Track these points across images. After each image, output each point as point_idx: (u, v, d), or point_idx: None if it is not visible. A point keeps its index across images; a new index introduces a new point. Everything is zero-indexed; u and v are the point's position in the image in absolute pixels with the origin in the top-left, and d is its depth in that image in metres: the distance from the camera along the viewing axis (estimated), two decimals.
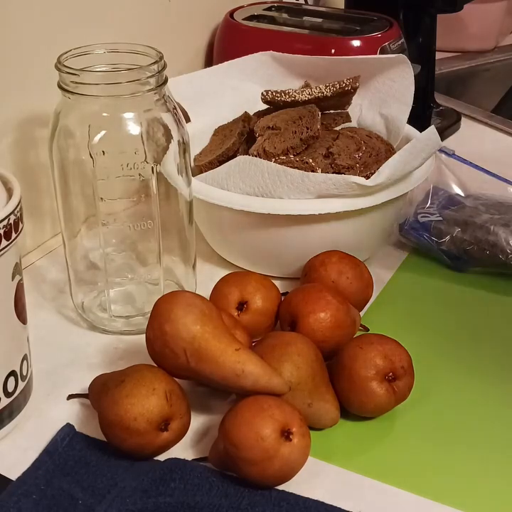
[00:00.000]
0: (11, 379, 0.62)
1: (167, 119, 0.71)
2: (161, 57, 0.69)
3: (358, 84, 0.86)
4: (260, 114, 0.90)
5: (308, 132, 0.82)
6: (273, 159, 0.80)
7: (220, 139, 0.90)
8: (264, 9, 1.13)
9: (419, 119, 0.91)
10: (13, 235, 0.59)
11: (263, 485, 0.59)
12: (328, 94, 0.86)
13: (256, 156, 0.81)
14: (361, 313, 0.77)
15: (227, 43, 1.08)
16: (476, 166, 0.93)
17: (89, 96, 0.67)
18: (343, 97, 0.87)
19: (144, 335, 0.65)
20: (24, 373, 0.65)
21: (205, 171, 0.84)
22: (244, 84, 0.95)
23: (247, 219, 0.79)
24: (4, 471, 0.61)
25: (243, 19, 1.09)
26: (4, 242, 0.58)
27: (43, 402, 0.68)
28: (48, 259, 0.89)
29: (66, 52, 0.69)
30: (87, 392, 0.67)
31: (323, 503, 0.58)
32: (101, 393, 0.62)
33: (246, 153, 0.84)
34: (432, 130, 0.81)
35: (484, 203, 0.89)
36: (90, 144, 0.68)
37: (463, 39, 1.49)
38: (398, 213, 0.85)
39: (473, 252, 0.84)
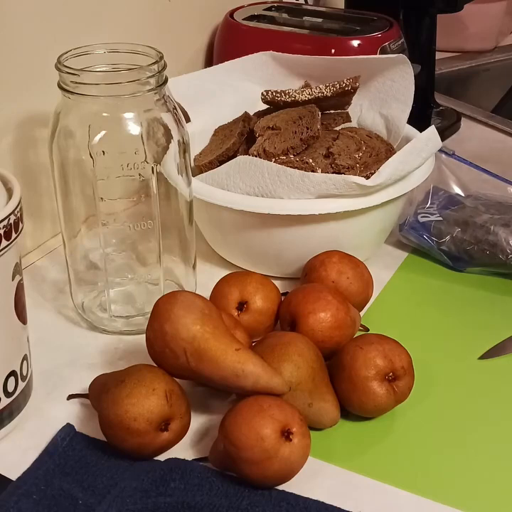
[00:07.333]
0: (11, 379, 0.62)
1: (167, 119, 0.71)
2: (161, 57, 0.69)
3: (358, 84, 0.86)
4: (260, 114, 0.90)
5: (308, 132, 0.82)
6: (273, 159, 0.80)
7: (220, 139, 0.90)
8: (264, 9, 1.13)
9: (419, 119, 0.91)
10: (13, 235, 0.59)
11: (263, 485, 0.59)
12: (328, 94, 0.86)
13: (256, 156, 0.81)
14: (361, 313, 0.77)
15: (227, 43, 1.08)
16: (476, 166, 0.93)
17: (89, 96, 0.67)
18: (343, 97, 0.87)
19: (144, 335, 0.65)
20: (24, 373, 0.65)
21: (205, 171, 0.84)
22: (244, 84, 0.95)
23: (247, 219, 0.79)
24: (4, 471, 0.61)
25: (243, 19, 1.09)
26: (4, 242, 0.58)
27: (43, 402, 0.68)
28: (48, 259, 0.89)
29: (66, 52, 0.69)
30: (87, 392, 0.67)
31: (323, 503, 0.58)
32: (101, 393, 0.62)
33: (246, 153, 0.84)
34: (431, 130, 0.81)
35: (484, 203, 0.89)
36: (90, 144, 0.68)
37: (463, 39, 1.49)
38: (398, 213, 0.85)
39: (473, 252, 0.84)
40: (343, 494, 0.59)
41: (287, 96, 0.87)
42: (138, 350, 0.73)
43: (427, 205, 0.89)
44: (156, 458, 0.62)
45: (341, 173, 0.79)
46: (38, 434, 0.65)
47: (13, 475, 0.60)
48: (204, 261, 0.86)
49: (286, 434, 0.58)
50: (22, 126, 0.84)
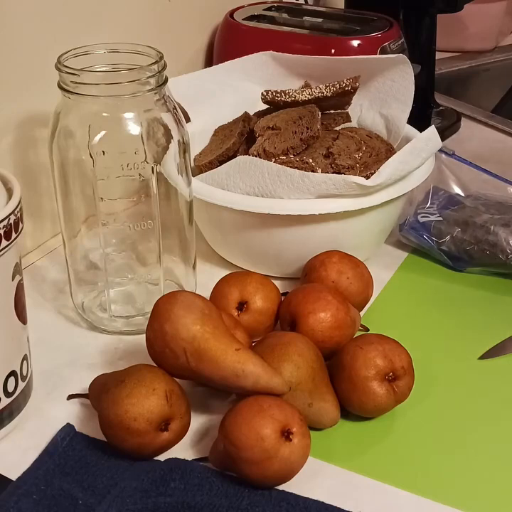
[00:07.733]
0: (11, 379, 0.62)
1: (167, 119, 0.71)
2: (161, 57, 0.69)
3: (358, 84, 0.86)
4: (260, 114, 0.90)
5: (308, 132, 0.82)
6: (273, 159, 0.80)
7: (220, 139, 0.90)
8: (264, 9, 1.13)
9: (419, 119, 0.91)
10: (13, 235, 0.59)
11: (263, 485, 0.59)
12: (328, 94, 0.86)
13: (256, 156, 0.81)
14: (361, 313, 0.77)
15: (227, 43, 1.08)
16: (476, 166, 0.93)
17: (89, 96, 0.67)
18: (343, 97, 0.87)
19: (144, 335, 0.65)
20: (24, 373, 0.65)
21: (205, 171, 0.84)
22: (244, 84, 0.95)
23: (247, 219, 0.79)
24: (4, 471, 0.61)
25: (243, 19, 1.09)
26: (4, 242, 0.58)
27: (43, 402, 0.68)
28: (48, 259, 0.89)
29: (66, 52, 0.69)
30: (87, 392, 0.67)
31: (323, 503, 0.58)
32: (101, 393, 0.62)
33: (246, 153, 0.84)
34: (431, 130, 0.81)
35: (484, 203, 0.89)
36: (90, 144, 0.68)
37: (463, 39, 1.49)
38: (398, 213, 0.85)
39: (473, 252, 0.84)
40: (343, 494, 0.59)
41: (287, 96, 0.87)
42: (138, 350, 0.73)
43: (427, 205, 0.89)
44: (156, 458, 0.62)
45: (341, 173, 0.79)
46: (38, 434, 0.65)
47: (13, 475, 0.60)
48: (204, 261, 0.86)
49: (286, 434, 0.58)
50: (22, 126, 0.84)
